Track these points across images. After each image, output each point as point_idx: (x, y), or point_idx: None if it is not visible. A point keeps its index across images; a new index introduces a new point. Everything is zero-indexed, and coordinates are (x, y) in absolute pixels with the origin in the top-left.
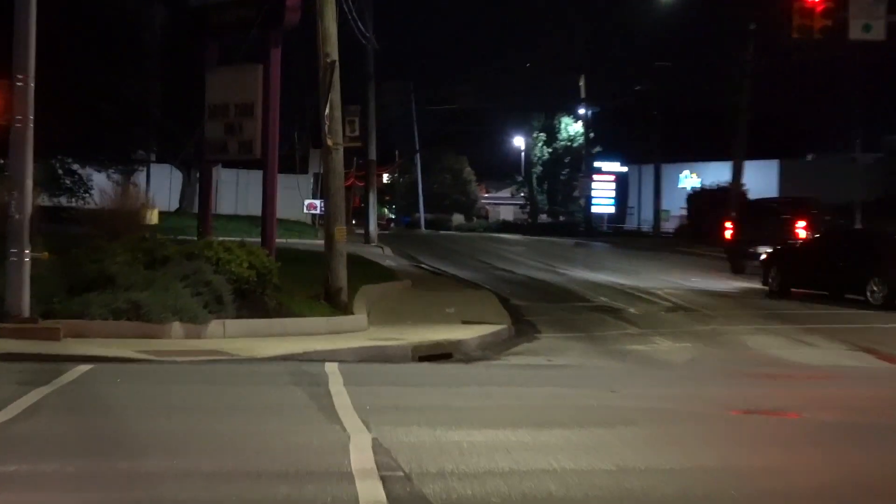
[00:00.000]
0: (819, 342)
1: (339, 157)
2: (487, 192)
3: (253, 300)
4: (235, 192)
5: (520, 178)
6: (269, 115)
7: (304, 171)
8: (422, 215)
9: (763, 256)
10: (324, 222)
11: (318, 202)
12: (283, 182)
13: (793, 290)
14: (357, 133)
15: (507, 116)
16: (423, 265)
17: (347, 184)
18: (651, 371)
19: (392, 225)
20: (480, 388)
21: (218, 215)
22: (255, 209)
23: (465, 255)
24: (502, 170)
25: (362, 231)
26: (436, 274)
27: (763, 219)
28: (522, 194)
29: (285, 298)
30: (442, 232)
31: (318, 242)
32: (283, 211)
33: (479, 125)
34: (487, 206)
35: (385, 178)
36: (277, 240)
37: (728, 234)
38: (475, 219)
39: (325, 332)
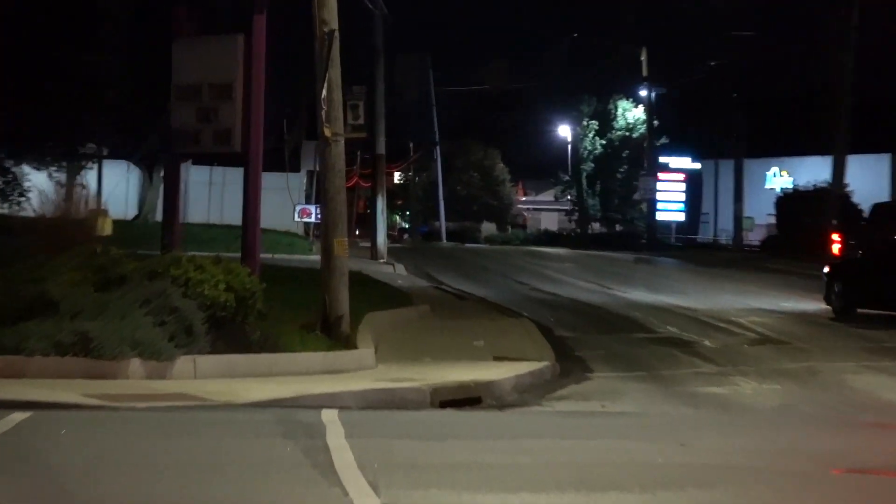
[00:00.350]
0: None
1: (339, 151)
2: (525, 195)
3: (231, 331)
4: (208, 195)
5: (566, 177)
6: (251, 98)
7: (296, 168)
8: (442, 224)
9: (826, 269)
10: (320, 233)
11: (312, 207)
12: (270, 182)
13: (859, 310)
14: (362, 121)
15: (550, 100)
16: (444, 286)
17: (350, 184)
18: (731, 419)
19: (406, 236)
20: (517, 441)
21: (187, 224)
22: (234, 216)
23: (498, 274)
24: (544, 167)
25: (368, 244)
26: (460, 297)
27: (881, 229)
28: (569, 198)
29: (272, 328)
30: (468, 245)
31: (314, 258)
32: (269, 218)
33: (515, 111)
34: (525, 213)
35: (397, 177)
36: (263, 255)
37: (836, 248)
38: (510, 228)
39: (322, 370)
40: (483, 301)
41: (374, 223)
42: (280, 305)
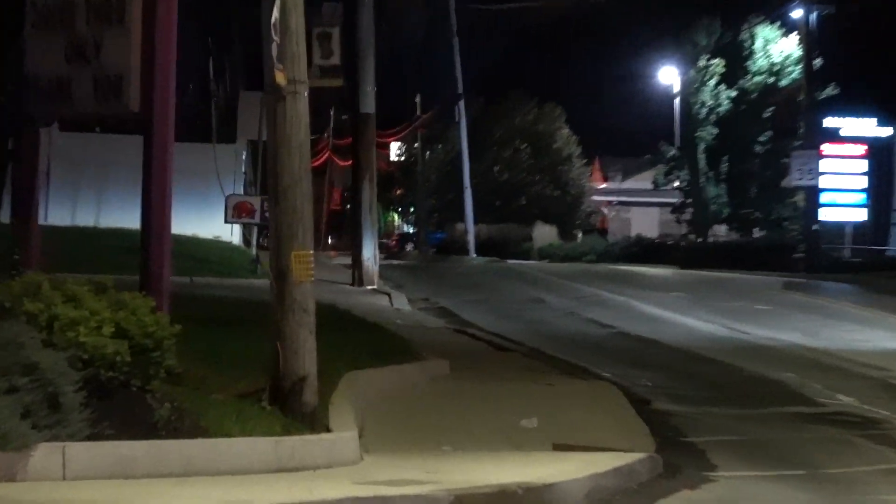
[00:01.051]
0: None
1: (299, 111)
2: (605, 181)
3: (125, 402)
4: (79, 181)
5: (672, 151)
6: (156, 26)
7: (230, 138)
8: (469, 228)
9: None
10: (269, 243)
11: (256, 202)
12: (188, 160)
13: None
14: (337, 60)
15: (645, 28)
16: (472, 330)
17: (317, 163)
18: None
19: (409, 247)
20: None
21: (52, 228)
22: (127, 215)
23: (560, 310)
24: (635, 136)
25: (348, 260)
26: (499, 348)
27: None
28: (677, 185)
29: (191, 399)
30: (512, 262)
31: (259, 284)
32: (187, 219)
33: (587, 49)
34: (606, 210)
35: (394, 151)
36: (177, 278)
37: None
38: (580, 235)
39: (273, 467)
40: (536, 353)
41: (356, 227)
42: (204, 360)
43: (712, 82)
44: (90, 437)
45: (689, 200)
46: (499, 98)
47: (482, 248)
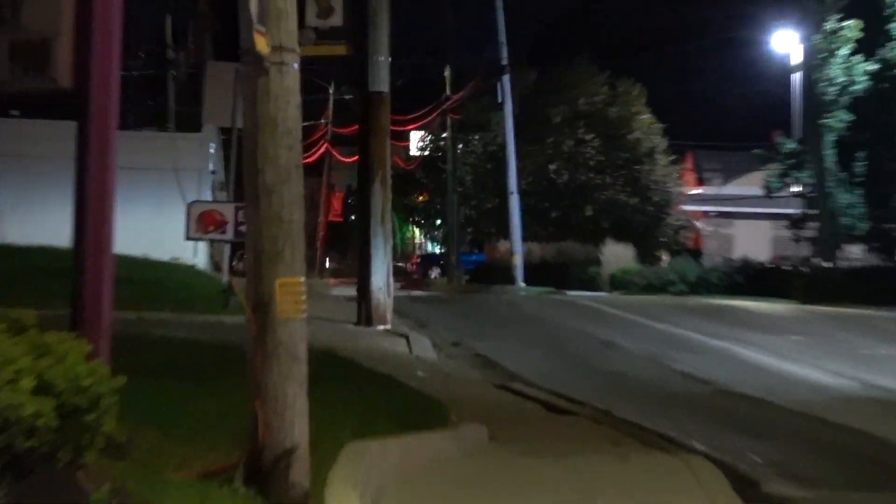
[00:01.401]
0: None
1: (286, 87)
2: (700, 186)
3: (50, 481)
4: None
5: (788, 145)
6: None
7: (194, 125)
8: (517, 247)
9: None
10: (245, 266)
11: (228, 211)
12: (139, 155)
13: None
14: (340, 20)
15: None
16: (518, 384)
17: (311, 159)
18: None
19: (435, 272)
20: None
21: None
22: (56, 231)
23: (636, 358)
24: (738, 125)
25: (352, 292)
26: (554, 408)
27: None
28: (796, 190)
29: (139, 477)
30: (573, 294)
31: (232, 321)
32: (136, 235)
33: (672, 4)
34: (700, 225)
35: (416, 143)
36: (122, 313)
37: None
38: (665, 257)
39: None
40: (605, 417)
41: (364, 245)
42: (157, 426)
43: (844, 51)
44: None
45: (814, 211)
46: (556, 71)
47: (534, 275)
